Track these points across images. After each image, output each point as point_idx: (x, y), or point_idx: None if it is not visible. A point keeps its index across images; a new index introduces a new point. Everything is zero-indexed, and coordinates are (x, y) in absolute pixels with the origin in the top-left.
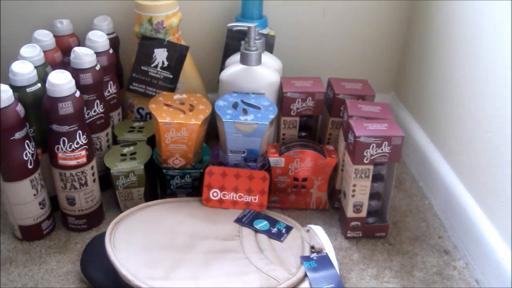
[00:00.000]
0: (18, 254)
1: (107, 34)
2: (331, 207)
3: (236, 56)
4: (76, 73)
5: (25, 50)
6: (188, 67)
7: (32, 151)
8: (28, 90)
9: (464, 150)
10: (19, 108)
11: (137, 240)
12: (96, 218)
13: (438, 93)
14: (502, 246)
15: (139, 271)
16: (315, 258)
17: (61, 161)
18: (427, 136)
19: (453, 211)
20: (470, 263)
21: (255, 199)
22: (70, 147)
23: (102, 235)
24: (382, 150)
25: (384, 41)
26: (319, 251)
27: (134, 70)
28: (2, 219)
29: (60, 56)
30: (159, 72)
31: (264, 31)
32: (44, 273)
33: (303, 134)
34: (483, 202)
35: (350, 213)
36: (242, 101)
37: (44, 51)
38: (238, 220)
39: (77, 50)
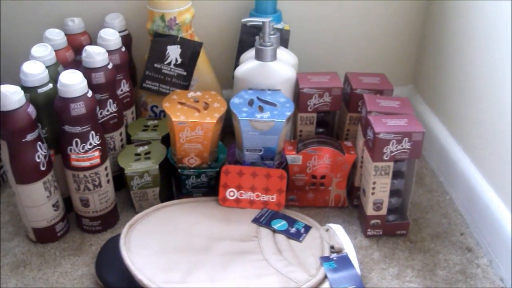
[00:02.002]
0: (32, 257)
1: (119, 32)
2: (350, 205)
3: (251, 52)
4: (88, 72)
5: (36, 50)
6: (202, 64)
7: (44, 152)
8: (39, 90)
9: (485, 143)
10: (31, 109)
11: (153, 242)
12: (111, 220)
13: (457, 85)
14: None
15: (155, 275)
16: (335, 258)
17: (74, 163)
18: (447, 130)
19: (475, 207)
20: (494, 260)
21: (272, 198)
22: (83, 148)
23: (117, 237)
24: (402, 146)
25: (401, 33)
26: (339, 251)
27: (147, 67)
28: (16, 221)
29: (72, 55)
30: (172, 70)
31: (279, 26)
32: (59, 276)
33: (321, 130)
34: (505, 197)
35: (370, 211)
36: (258, 98)
37: (55, 50)
38: (256, 220)
39: (89, 49)
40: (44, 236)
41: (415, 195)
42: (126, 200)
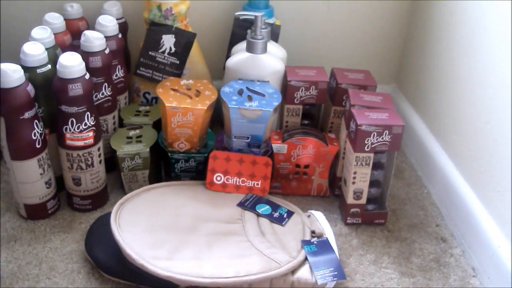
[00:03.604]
0: (23, 233)
1: (117, 19)
2: (331, 194)
3: (242, 44)
4: (86, 56)
5: (36, 32)
6: (195, 54)
7: (40, 131)
8: (38, 71)
9: (462, 140)
10: (30, 88)
11: (142, 221)
12: (101, 199)
13: (438, 84)
14: (498, 235)
15: (143, 250)
16: (315, 242)
17: (68, 142)
18: (427, 127)
19: (451, 200)
20: (466, 251)
21: (257, 184)
22: (78, 128)
23: (107, 216)
24: (382, 138)
25: (387, 33)
26: (320, 236)
27: (142, 55)
28: (8, 198)
29: (69, 39)
30: (166, 58)
31: (270, 21)
32: (48, 252)
33: (306, 122)
34: (480, 191)
35: (350, 199)
36: (247, 88)
37: (54, 34)
38: (241, 204)
39: (88, 33)
40: (35, 212)
41: (394, 187)
42: (116, 181)
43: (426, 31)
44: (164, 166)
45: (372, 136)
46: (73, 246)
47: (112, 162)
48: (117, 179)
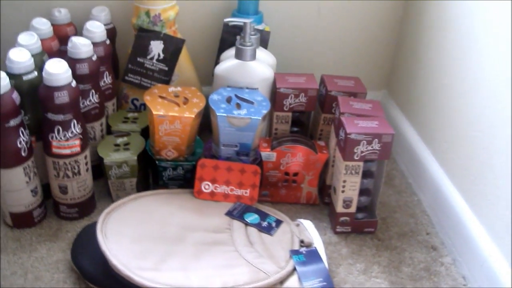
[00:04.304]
0: (8, 242)
1: (105, 25)
2: (321, 202)
3: (231, 51)
4: (72, 62)
5: (22, 38)
6: (184, 60)
7: (26, 139)
8: (24, 78)
9: (453, 148)
10: (15, 95)
11: (128, 230)
12: (88, 207)
13: (429, 92)
14: (488, 243)
15: (129, 261)
16: (304, 252)
17: (55, 150)
18: (417, 134)
19: (441, 208)
20: (457, 259)
21: (246, 193)
22: (64, 136)
23: (94, 225)
24: (372, 147)
25: (377, 39)
26: (308, 246)
27: (130, 61)
28: None
29: (57, 44)
30: (154, 64)
31: (260, 27)
32: (34, 261)
33: (295, 129)
34: (471, 200)
35: (339, 208)
36: (236, 96)
37: (41, 39)
38: (229, 213)
39: (75, 40)
40: (21, 221)
41: (384, 195)
42: (104, 189)
43: (418, 37)
44: (152, 174)
45: (361, 145)
46: (59, 256)
47: (99, 169)
48: (105, 186)
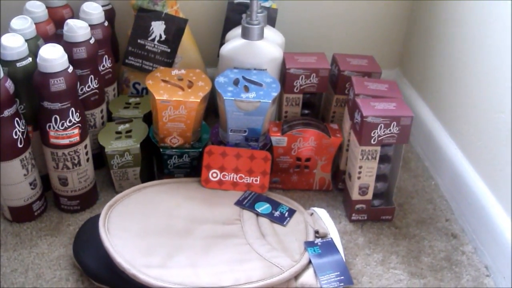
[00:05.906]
0: (8, 237)
1: (102, 6)
2: (334, 188)
3: (237, 30)
4: (69, 46)
5: (15, 22)
6: (187, 41)
7: (22, 129)
8: (18, 64)
9: (473, 130)
10: (9, 84)
11: (133, 225)
12: (89, 199)
13: (445, 70)
14: None
15: (134, 258)
16: (319, 243)
17: (52, 140)
18: (433, 114)
19: (461, 193)
20: (479, 247)
21: (256, 180)
22: (62, 125)
23: (96, 217)
24: (390, 130)
25: (389, 14)
26: (324, 236)
27: (130, 43)
28: None
29: (53, 28)
30: (156, 46)
31: (266, 4)
32: (35, 257)
33: (306, 111)
34: (492, 184)
35: (355, 195)
36: (244, 78)
37: (36, 23)
38: (239, 203)
39: (71, 22)
40: (21, 215)
41: (400, 179)
42: (106, 179)
43: (432, 12)
44: (156, 162)
45: (379, 128)
46: (61, 251)
47: (101, 158)
48: (107, 176)
